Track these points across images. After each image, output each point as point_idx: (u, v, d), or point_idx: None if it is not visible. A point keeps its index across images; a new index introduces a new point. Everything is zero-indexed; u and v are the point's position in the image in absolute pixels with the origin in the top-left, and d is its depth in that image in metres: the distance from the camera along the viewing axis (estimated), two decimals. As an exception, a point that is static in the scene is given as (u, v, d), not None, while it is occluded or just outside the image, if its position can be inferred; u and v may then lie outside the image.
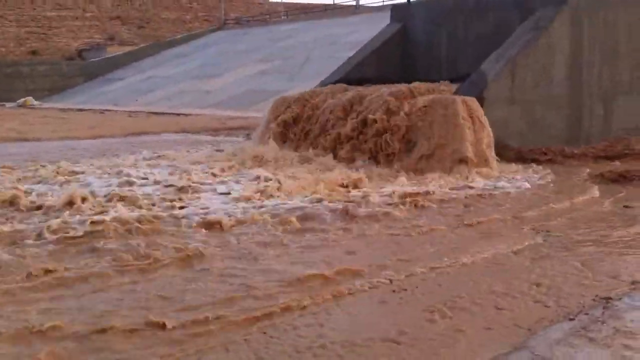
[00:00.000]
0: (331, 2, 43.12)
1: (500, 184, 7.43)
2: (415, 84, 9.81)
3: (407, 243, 5.05)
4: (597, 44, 10.17)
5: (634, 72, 10.62)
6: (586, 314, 3.39)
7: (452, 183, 7.47)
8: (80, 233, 5.21)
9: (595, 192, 6.72)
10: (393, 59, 12.16)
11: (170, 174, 8.13)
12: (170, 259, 4.51)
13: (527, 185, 7.32)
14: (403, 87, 9.37)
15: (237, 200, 6.57)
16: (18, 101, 33.21)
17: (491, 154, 8.39)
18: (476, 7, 11.23)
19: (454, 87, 9.71)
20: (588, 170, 8.06)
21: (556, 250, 4.77)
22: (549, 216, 5.84)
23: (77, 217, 5.75)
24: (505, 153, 8.93)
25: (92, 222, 5.45)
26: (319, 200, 6.47)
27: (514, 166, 8.43)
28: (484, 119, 8.49)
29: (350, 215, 5.89)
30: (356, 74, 11.73)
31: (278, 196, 6.74)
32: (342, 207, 6.11)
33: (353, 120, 9.01)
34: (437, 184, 7.40)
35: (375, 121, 8.71)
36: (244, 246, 4.95)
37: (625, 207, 6.09)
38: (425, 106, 8.62)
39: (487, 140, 8.46)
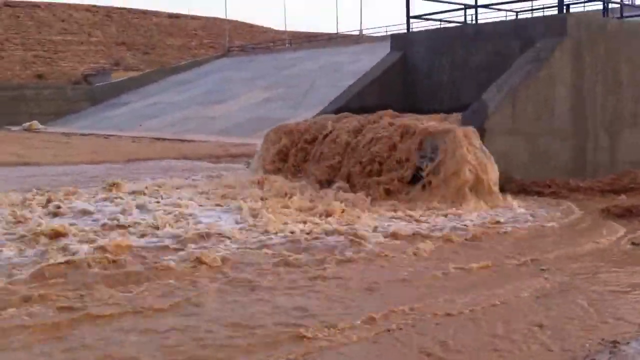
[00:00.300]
0: (335, 32, 43.40)
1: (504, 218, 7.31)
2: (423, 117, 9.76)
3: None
4: (600, 75, 10.10)
5: (638, 104, 10.55)
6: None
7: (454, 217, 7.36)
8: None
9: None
10: (394, 87, 12.09)
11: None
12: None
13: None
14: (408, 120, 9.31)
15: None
16: (23, 125, 33.32)
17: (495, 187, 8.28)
18: (476, 36, 11.19)
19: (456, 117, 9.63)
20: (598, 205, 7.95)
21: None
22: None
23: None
24: (508, 186, 8.80)
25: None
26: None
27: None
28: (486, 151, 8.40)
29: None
30: (357, 102, 11.66)
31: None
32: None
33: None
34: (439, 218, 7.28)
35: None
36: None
37: (634, 244, 5.95)
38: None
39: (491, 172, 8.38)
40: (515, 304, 4.29)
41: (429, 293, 4.50)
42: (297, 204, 7.76)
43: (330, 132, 9.61)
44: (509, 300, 4.35)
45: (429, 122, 8.93)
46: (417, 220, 7.11)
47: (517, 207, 7.77)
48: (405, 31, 12.90)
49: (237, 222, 6.93)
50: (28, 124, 33.09)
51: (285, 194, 8.35)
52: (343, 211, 7.31)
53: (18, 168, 12.85)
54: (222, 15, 72.60)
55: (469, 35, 11.40)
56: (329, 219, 7.01)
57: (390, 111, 10.29)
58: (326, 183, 9.19)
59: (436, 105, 11.41)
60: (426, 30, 12.22)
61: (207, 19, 69.62)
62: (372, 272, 5.11)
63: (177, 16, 69.70)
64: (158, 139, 23.56)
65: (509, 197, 8.17)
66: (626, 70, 10.41)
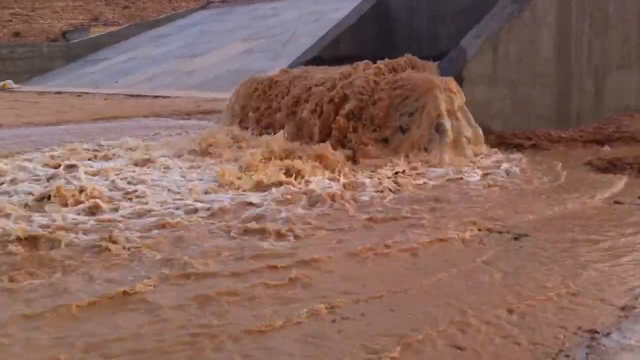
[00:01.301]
0: (318, -22, 42.05)
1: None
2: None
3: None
4: (587, 16, 9.40)
5: (625, 45, 9.87)
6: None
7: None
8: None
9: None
10: (370, 35, 11.36)
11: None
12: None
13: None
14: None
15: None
16: (-4, 84, 32.39)
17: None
18: (457, -21, 10.45)
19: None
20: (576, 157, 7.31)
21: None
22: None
23: None
24: (487, 138, 8.20)
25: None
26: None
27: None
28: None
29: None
30: (331, 51, 10.95)
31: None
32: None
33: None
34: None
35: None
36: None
37: (617, 202, 5.35)
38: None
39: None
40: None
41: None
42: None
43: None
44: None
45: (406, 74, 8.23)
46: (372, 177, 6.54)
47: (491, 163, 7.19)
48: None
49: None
50: (1, 83, 32.07)
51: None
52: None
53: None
54: (202, -34, 70.70)
55: (449, -22, 10.65)
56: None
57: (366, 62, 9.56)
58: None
59: (414, 53, 10.71)
60: (404, -27, 11.42)
61: (187, -30, 67.73)
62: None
63: (156, -32, 67.69)
64: (133, 95, 22.76)
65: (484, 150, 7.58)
66: (614, 9, 9.69)
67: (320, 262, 4.01)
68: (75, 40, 40.66)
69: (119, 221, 5.11)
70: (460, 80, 8.27)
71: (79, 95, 24.07)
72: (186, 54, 30.44)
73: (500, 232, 4.61)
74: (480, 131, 7.87)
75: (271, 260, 4.07)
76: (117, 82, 29.14)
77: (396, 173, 6.63)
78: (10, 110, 17.14)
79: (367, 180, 6.31)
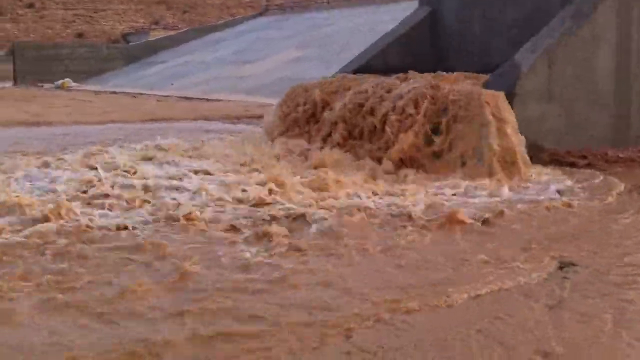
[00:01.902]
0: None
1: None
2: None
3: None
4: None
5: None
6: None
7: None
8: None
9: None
10: (421, 45, 11.09)
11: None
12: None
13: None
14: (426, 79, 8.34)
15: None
16: (56, 82, 33.14)
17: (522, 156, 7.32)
18: (513, -11, 10.09)
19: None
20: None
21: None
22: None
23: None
24: (538, 156, 7.84)
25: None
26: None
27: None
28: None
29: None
30: (379, 61, 10.72)
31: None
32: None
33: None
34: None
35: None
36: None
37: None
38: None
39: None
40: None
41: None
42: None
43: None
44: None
45: (449, 85, 7.94)
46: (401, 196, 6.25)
47: (544, 181, 6.82)
48: (436, -15, 11.81)
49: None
50: (60, 81, 32.85)
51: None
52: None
53: (23, 128, 12.32)
54: (262, -26, 71.43)
55: (504, -12, 10.31)
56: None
57: (412, 72, 9.32)
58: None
59: (466, 65, 10.41)
60: (457, -16, 11.12)
61: (248, -23, 68.49)
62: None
63: (217, -26, 68.63)
64: (185, 98, 22.99)
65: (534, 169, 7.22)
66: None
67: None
68: (134, 43, 41.40)
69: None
70: (512, 96, 7.95)
71: (133, 97, 24.41)
72: (240, 60, 30.64)
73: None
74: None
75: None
76: (172, 84, 29.51)
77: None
78: (64, 109, 17.42)
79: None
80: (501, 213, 5.54)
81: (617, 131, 8.70)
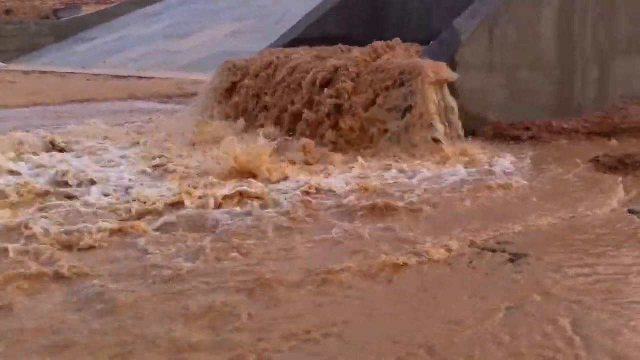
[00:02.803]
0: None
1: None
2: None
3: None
4: (592, -7, 8.61)
5: (635, 27, 9.06)
6: None
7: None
8: None
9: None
10: (360, 14, 10.54)
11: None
12: None
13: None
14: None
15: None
16: (-19, 63, 31.50)
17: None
18: (451, -47, 9.61)
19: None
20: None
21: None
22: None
23: None
24: (481, 129, 7.47)
25: None
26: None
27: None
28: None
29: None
30: (316, 32, 10.16)
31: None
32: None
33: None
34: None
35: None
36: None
37: (632, 212, 4.60)
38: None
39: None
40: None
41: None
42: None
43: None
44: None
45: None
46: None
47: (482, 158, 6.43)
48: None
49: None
50: (-14, 62, 31.22)
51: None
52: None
53: None
54: (197, -56, 69.49)
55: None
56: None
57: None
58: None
59: (407, 34, 9.93)
60: (393, -52, 10.58)
61: (182, -53, 66.43)
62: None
63: (149, -55, 66.36)
64: (118, 76, 21.95)
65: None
66: (622, -13, 8.90)
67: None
68: (64, 19, 39.71)
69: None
70: (452, 66, 7.53)
71: (61, 76, 23.23)
72: (175, 34, 29.61)
73: (493, 251, 3.87)
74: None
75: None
76: (104, 62, 28.31)
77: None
78: (-15, 91, 16.32)
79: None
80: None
81: (560, 100, 8.38)
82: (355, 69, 7.43)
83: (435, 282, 3.40)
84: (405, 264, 3.61)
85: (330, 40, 9.60)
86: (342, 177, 5.78)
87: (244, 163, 5.74)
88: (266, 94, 8.24)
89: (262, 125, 7.90)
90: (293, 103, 7.82)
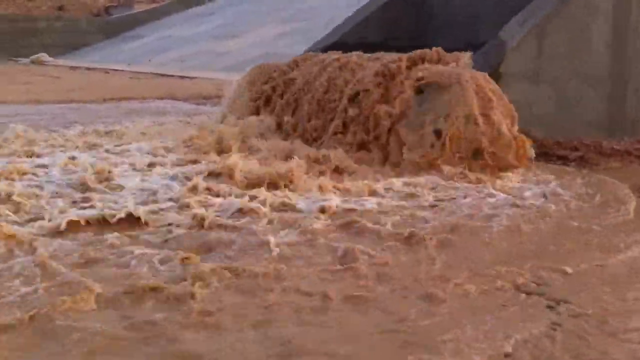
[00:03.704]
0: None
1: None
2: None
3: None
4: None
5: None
6: None
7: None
8: None
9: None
10: (402, 19, 10.10)
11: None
12: None
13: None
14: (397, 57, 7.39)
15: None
16: (31, 57, 31.92)
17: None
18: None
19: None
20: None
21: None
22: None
23: None
24: (525, 145, 6.95)
25: None
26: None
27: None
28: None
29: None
30: (354, 37, 9.76)
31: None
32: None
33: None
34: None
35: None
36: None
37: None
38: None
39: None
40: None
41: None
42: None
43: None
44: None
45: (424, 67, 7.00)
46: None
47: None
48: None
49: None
50: (36, 56, 31.68)
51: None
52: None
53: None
54: (249, -54, 69.98)
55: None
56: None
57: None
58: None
59: (450, 42, 9.48)
60: (441, -49, 10.12)
61: (236, -52, 66.83)
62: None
63: (203, -54, 66.94)
64: (161, 75, 21.95)
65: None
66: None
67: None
68: (113, 16, 40.17)
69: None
70: (497, 76, 7.05)
71: (106, 72, 23.35)
72: (222, 35, 29.57)
73: (528, 293, 3.41)
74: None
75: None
76: (150, 60, 28.43)
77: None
78: (26, 85, 16.39)
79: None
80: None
81: (612, 117, 7.82)
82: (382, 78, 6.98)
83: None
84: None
85: (369, 46, 9.21)
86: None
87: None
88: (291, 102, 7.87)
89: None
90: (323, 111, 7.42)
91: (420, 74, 6.68)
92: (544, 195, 5.32)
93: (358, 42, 9.66)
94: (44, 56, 31.77)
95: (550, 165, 6.54)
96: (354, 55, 7.79)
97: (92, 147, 7.20)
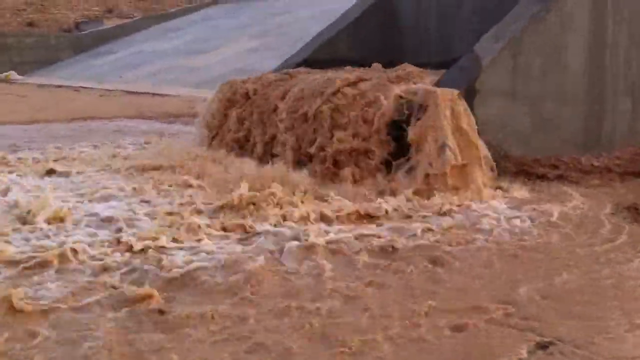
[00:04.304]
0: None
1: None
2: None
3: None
4: (624, 23, 7.92)
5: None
6: None
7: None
8: None
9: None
10: (374, 35, 9.92)
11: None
12: None
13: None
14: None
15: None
16: (-1, 75, 31.37)
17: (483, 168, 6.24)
18: (474, -29, 8.98)
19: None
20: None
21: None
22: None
23: None
24: (503, 164, 6.77)
25: None
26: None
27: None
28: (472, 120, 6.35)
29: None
30: (326, 53, 9.55)
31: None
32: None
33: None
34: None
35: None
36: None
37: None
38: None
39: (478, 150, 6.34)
40: None
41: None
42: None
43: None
44: None
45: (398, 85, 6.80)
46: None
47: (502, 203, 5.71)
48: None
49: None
50: (4, 74, 31.11)
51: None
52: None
53: None
54: (221, -40, 70.02)
55: (464, -31, 9.20)
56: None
57: (349, 68, 8.19)
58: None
59: (423, 58, 9.31)
60: (415, -38, 9.96)
61: (207, -37, 66.74)
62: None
63: (173, -39, 66.68)
64: (131, 92, 21.56)
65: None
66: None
67: None
68: (84, 32, 39.72)
69: None
70: (472, 93, 6.88)
71: (75, 90, 22.90)
72: (193, 50, 29.29)
73: (520, 330, 3.17)
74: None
75: None
76: (120, 76, 28.03)
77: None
78: (-8, 105, 15.96)
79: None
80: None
81: (589, 134, 7.68)
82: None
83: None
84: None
85: (340, 63, 9.02)
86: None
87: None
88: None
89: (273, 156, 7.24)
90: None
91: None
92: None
93: (328, 59, 9.47)
94: (12, 74, 31.21)
95: (527, 181, 6.37)
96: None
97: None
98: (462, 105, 6.44)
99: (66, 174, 6.82)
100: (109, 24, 44.75)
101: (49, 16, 59.87)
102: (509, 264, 4.15)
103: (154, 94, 20.32)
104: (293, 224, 4.90)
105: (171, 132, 10.74)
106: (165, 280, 3.81)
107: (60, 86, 25.07)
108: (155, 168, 6.98)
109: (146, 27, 38.48)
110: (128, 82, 25.71)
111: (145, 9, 57.75)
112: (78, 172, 6.88)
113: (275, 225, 4.90)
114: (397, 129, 6.49)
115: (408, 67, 7.71)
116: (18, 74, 32.10)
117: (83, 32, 40.68)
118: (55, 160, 7.50)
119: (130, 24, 40.17)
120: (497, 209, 5.45)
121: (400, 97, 6.57)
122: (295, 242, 4.41)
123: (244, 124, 7.71)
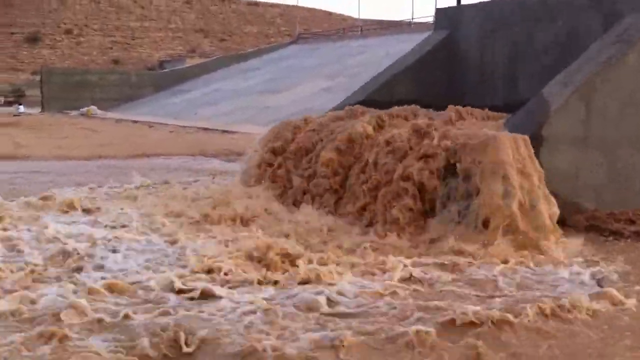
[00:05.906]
0: (409, 18, 40.58)
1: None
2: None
3: None
4: None
5: None
6: None
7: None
8: None
9: None
10: (435, 75, 9.43)
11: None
12: None
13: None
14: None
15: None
16: (81, 110, 32.42)
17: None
18: (543, 10, 8.35)
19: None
20: None
21: None
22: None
23: None
24: (573, 218, 6.09)
25: None
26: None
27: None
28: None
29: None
30: (385, 94, 9.11)
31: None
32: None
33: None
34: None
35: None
36: None
37: None
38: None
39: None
40: None
41: None
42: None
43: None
44: None
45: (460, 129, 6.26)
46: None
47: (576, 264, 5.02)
48: (455, 5, 10.18)
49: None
50: (85, 109, 32.20)
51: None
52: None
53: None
54: (301, 3, 71.42)
55: (533, 9, 8.60)
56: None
57: (414, 107, 7.69)
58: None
59: (488, 100, 8.76)
60: (478, 3, 9.45)
61: (286, 6, 68.17)
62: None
63: (255, 4, 68.55)
64: (203, 128, 21.78)
65: (567, 243, 5.41)
66: None
67: None
68: (163, 71, 40.81)
69: None
70: (539, 140, 6.25)
71: (150, 126, 23.33)
72: (267, 89, 29.51)
73: None
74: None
75: None
76: (195, 113, 28.47)
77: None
78: (63, 139, 16.26)
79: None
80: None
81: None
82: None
83: None
84: None
85: (398, 103, 8.55)
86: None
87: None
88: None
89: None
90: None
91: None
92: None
93: (386, 100, 9.02)
94: (93, 109, 32.23)
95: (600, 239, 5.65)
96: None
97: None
98: (527, 152, 5.81)
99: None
100: (191, 62, 45.97)
101: (134, 54, 62.21)
102: None
103: (223, 131, 20.39)
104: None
105: (224, 169, 10.51)
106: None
107: (136, 121, 25.64)
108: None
109: (225, 66, 39.18)
110: (202, 119, 26.04)
111: (226, 49, 59.24)
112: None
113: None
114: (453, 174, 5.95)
115: (469, 110, 7.13)
116: (100, 109, 33.13)
117: (164, 71, 41.83)
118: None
119: (209, 62, 41.04)
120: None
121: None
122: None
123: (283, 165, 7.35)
